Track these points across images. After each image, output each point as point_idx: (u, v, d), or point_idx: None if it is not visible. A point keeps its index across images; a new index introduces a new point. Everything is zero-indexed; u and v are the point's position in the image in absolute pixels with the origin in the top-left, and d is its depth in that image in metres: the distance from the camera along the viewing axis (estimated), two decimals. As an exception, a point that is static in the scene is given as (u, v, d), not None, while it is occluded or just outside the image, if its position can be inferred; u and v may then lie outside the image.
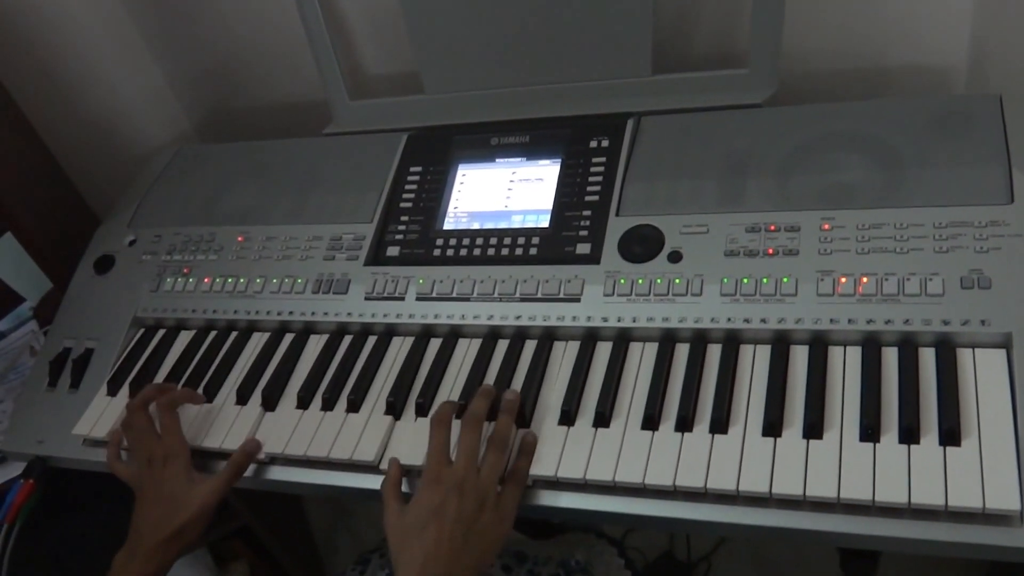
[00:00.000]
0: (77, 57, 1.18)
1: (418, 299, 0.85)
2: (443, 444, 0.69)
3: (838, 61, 0.93)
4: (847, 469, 0.63)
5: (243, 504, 1.19)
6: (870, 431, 0.64)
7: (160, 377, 0.91)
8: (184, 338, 0.95)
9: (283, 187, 1.01)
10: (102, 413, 0.89)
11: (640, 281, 0.78)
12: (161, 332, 0.96)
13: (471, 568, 0.63)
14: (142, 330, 0.97)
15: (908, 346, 0.69)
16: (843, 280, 0.72)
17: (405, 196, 0.93)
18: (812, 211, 0.76)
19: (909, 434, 0.63)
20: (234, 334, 0.93)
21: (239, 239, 0.98)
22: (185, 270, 0.98)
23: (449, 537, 0.63)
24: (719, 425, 0.68)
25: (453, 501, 0.65)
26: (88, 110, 1.22)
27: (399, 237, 0.91)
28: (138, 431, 0.79)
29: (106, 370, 0.94)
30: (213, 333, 0.94)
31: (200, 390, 0.87)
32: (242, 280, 0.94)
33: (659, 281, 0.77)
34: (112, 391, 0.91)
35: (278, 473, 0.80)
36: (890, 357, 0.69)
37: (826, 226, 0.75)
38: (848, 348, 0.70)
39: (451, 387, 0.79)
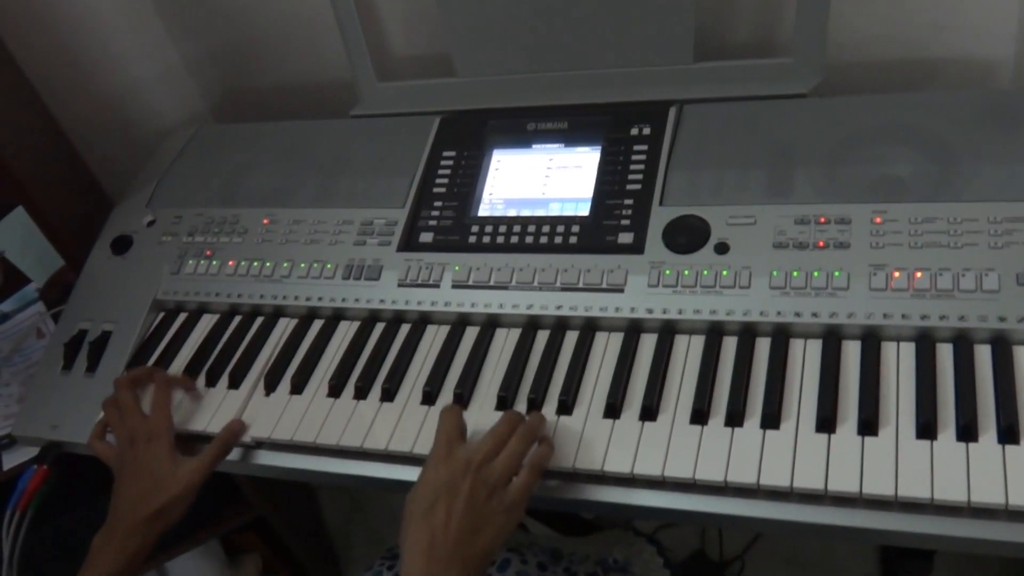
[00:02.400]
0: (91, 33, 1.16)
1: (454, 286, 0.84)
2: (455, 424, 0.67)
3: (882, 51, 0.93)
4: (904, 467, 0.63)
5: (258, 496, 1.18)
6: (927, 428, 0.64)
7: (182, 361, 0.89)
8: (207, 322, 0.93)
9: (309, 169, 0.99)
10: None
11: (686, 272, 0.77)
12: (183, 316, 0.95)
13: (478, 556, 0.61)
14: (162, 313, 0.96)
15: (963, 342, 0.68)
16: (896, 274, 0.72)
17: (438, 181, 0.92)
18: (863, 204, 0.76)
19: (967, 432, 0.63)
20: (260, 319, 0.91)
21: (264, 221, 0.96)
22: (208, 252, 0.96)
23: (459, 518, 0.61)
24: (771, 420, 0.68)
25: (465, 481, 0.63)
26: (101, 88, 1.20)
27: (432, 223, 0.89)
28: (123, 408, 0.78)
29: (124, 354, 0.92)
30: (238, 318, 0.92)
31: (225, 376, 0.86)
32: (268, 264, 0.93)
33: (706, 273, 0.77)
34: (132, 375, 0.89)
35: (306, 462, 0.79)
36: (945, 353, 0.69)
37: (878, 219, 0.75)
38: (902, 344, 0.70)
39: (490, 376, 0.78)
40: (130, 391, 0.79)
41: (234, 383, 0.85)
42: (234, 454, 0.80)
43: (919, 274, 0.71)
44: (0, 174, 0.99)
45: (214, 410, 0.83)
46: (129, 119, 1.23)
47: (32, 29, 1.12)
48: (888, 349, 0.70)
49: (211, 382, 0.86)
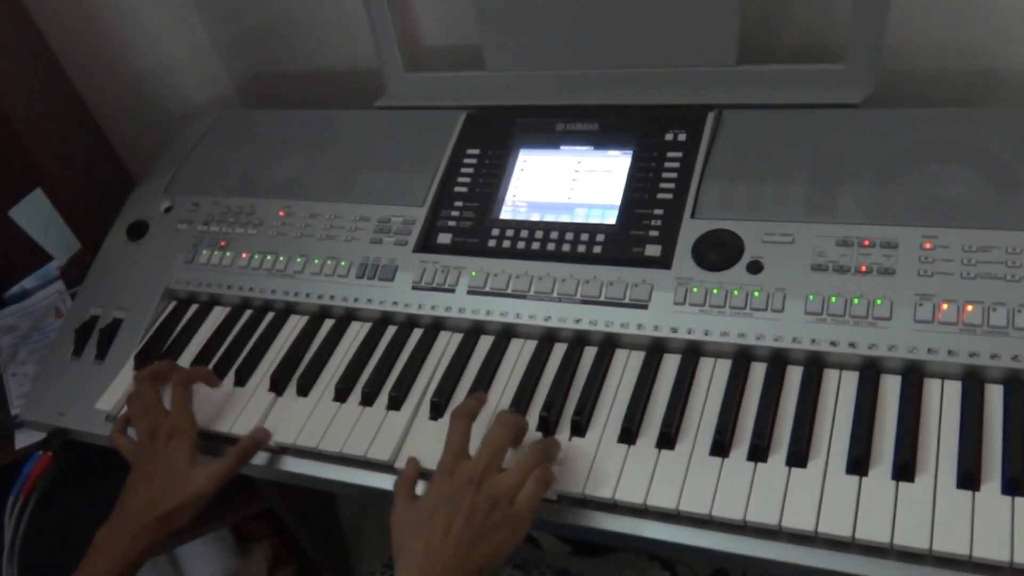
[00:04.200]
0: (121, 11, 1.16)
1: (470, 292, 0.82)
2: (462, 437, 0.65)
3: (943, 61, 0.87)
4: (941, 519, 0.58)
5: (270, 487, 1.17)
6: (970, 478, 0.59)
7: (191, 355, 0.88)
8: (218, 315, 0.92)
9: (330, 161, 0.97)
10: (127, 389, 0.86)
11: (715, 291, 0.73)
12: (194, 307, 0.94)
13: (476, 570, 0.59)
14: (174, 303, 0.95)
15: (1016, 385, 0.64)
16: (945, 306, 0.67)
17: (460, 180, 0.89)
18: (912, 227, 0.71)
19: (1015, 485, 0.59)
20: (271, 315, 0.90)
21: (280, 214, 0.94)
22: (222, 243, 0.95)
23: (458, 531, 0.59)
24: (797, 457, 0.64)
25: (468, 494, 0.61)
26: (129, 67, 1.20)
27: (452, 224, 0.87)
28: (145, 403, 0.76)
29: (134, 343, 0.91)
30: (248, 312, 0.91)
31: (232, 372, 0.84)
32: (282, 258, 0.91)
33: (736, 292, 0.73)
34: (139, 366, 0.88)
35: (308, 468, 0.77)
36: (994, 395, 0.64)
37: (928, 245, 0.70)
38: (946, 382, 0.65)
39: (502, 389, 0.75)
40: (151, 385, 0.78)
41: (240, 380, 0.83)
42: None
43: (970, 307, 0.66)
44: (21, 155, 0.99)
45: (218, 407, 0.82)
46: (155, 100, 1.23)
47: (61, 5, 1.12)
48: (931, 387, 0.66)
49: (217, 378, 0.85)
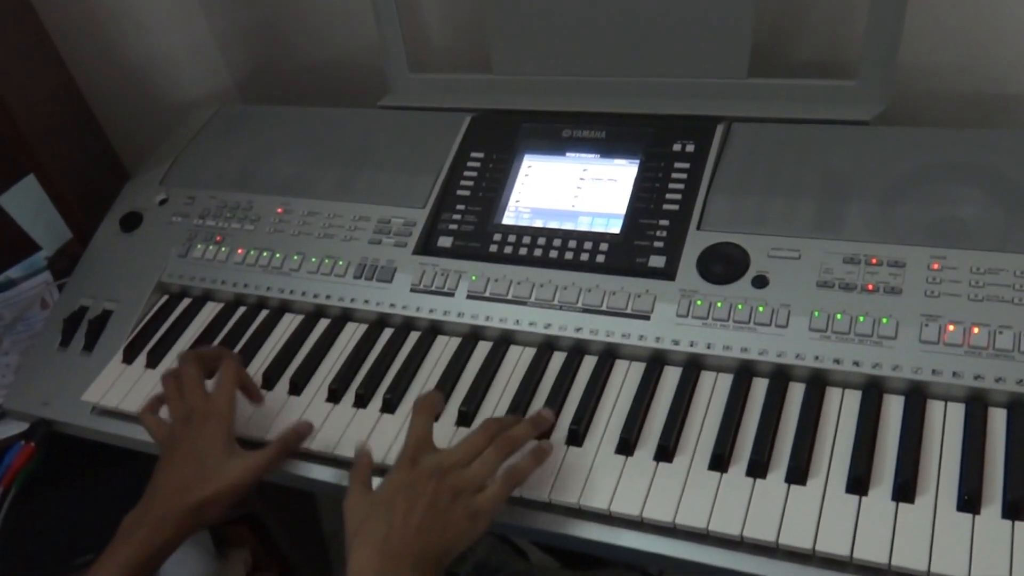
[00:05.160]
0: (122, 0, 1.16)
1: (469, 297, 0.82)
2: (424, 429, 0.66)
3: (957, 82, 0.89)
4: (940, 541, 0.59)
5: (253, 490, 1.16)
6: (971, 500, 0.60)
7: (182, 349, 0.88)
8: (210, 310, 0.92)
9: (330, 159, 0.98)
10: (115, 381, 0.87)
11: (719, 304, 0.74)
12: (186, 301, 0.94)
13: (433, 557, 0.59)
14: (166, 296, 0.95)
15: (1019, 409, 0.64)
16: (951, 328, 0.68)
17: (463, 183, 0.90)
18: (921, 247, 0.72)
19: (1015, 509, 0.59)
20: (265, 312, 0.90)
21: (278, 210, 0.95)
22: (218, 237, 0.95)
23: (420, 516, 0.60)
24: (797, 474, 0.64)
25: (430, 484, 0.61)
26: (127, 57, 1.20)
27: (453, 227, 0.87)
28: (186, 381, 0.73)
29: (123, 335, 0.92)
30: (242, 308, 0.91)
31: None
32: (278, 255, 0.92)
33: (740, 307, 0.74)
34: (128, 358, 0.89)
35: (296, 467, 0.77)
36: (997, 419, 0.65)
37: (936, 265, 0.71)
38: (950, 404, 0.66)
39: (499, 397, 0.76)
40: (197, 366, 0.75)
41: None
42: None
43: (976, 329, 0.67)
44: (14, 141, 0.99)
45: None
46: (153, 91, 1.24)
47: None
48: (934, 408, 0.67)
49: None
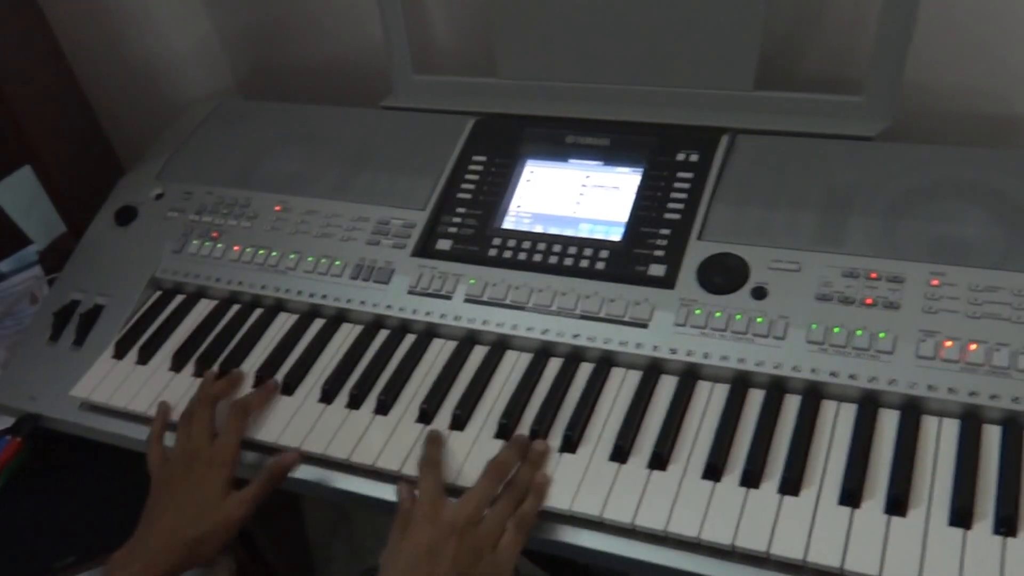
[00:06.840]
0: (126, -4, 1.19)
1: (466, 300, 0.85)
2: (436, 485, 0.70)
3: (963, 101, 0.92)
4: (931, 555, 0.61)
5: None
6: (963, 515, 0.63)
7: (173, 346, 0.91)
8: (204, 307, 0.95)
9: (331, 158, 1.01)
10: (105, 377, 0.89)
11: (717, 314, 0.77)
12: (180, 297, 0.97)
13: None
14: (159, 292, 0.98)
15: (1014, 427, 0.67)
16: (948, 344, 0.71)
17: (464, 186, 0.93)
18: (920, 263, 0.75)
19: (1007, 524, 0.62)
20: (259, 311, 0.93)
21: (276, 208, 0.98)
22: (214, 234, 0.98)
23: None
24: (790, 485, 0.67)
25: (451, 544, 0.64)
26: (129, 53, 1.23)
27: (453, 230, 0.90)
28: (197, 426, 0.77)
29: (115, 330, 0.94)
30: (236, 306, 0.94)
31: (216, 366, 0.87)
32: (275, 253, 0.94)
33: (739, 317, 0.76)
34: (119, 354, 0.91)
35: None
36: (992, 436, 0.67)
37: (935, 282, 0.74)
38: (945, 420, 0.69)
39: (493, 401, 0.78)
40: (210, 409, 0.79)
41: (224, 374, 0.86)
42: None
43: (973, 346, 0.70)
44: (12, 131, 1.02)
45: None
46: (154, 88, 1.27)
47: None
48: (929, 424, 0.69)
49: (199, 371, 0.88)
